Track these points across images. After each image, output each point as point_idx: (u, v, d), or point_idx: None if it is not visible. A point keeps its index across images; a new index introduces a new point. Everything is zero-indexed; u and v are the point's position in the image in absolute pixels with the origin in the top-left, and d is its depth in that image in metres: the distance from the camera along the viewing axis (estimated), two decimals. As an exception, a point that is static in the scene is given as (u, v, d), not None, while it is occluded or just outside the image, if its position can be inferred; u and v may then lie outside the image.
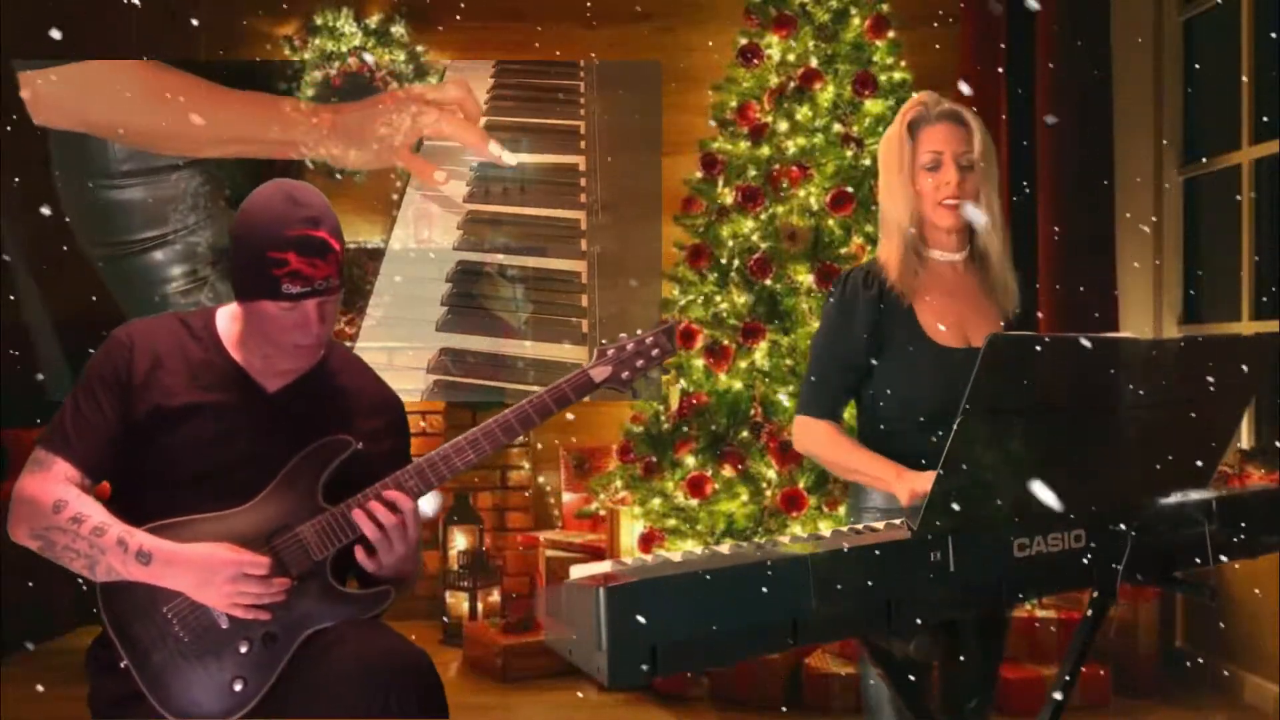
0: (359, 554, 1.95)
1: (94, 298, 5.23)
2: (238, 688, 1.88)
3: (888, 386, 2.17)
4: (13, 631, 4.48)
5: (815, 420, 2.20)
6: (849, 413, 2.29)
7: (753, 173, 4.46)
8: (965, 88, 4.33)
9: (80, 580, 1.94)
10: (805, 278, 4.27)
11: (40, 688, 3.92)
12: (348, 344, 5.16)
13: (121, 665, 1.89)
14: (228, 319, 2.04)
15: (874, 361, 2.18)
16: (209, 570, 1.86)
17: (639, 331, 2.15)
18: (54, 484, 1.90)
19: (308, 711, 1.88)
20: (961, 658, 2.19)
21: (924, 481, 1.98)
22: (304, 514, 1.94)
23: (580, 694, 4.04)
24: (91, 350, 2.02)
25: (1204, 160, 4.62)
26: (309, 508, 1.95)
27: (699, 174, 4.61)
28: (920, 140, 2.17)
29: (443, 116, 5.35)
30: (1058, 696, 1.70)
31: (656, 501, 4.27)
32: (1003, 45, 4.79)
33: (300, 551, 1.93)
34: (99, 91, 5.25)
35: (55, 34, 4.68)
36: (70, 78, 5.24)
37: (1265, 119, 4.25)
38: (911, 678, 1.75)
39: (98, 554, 1.86)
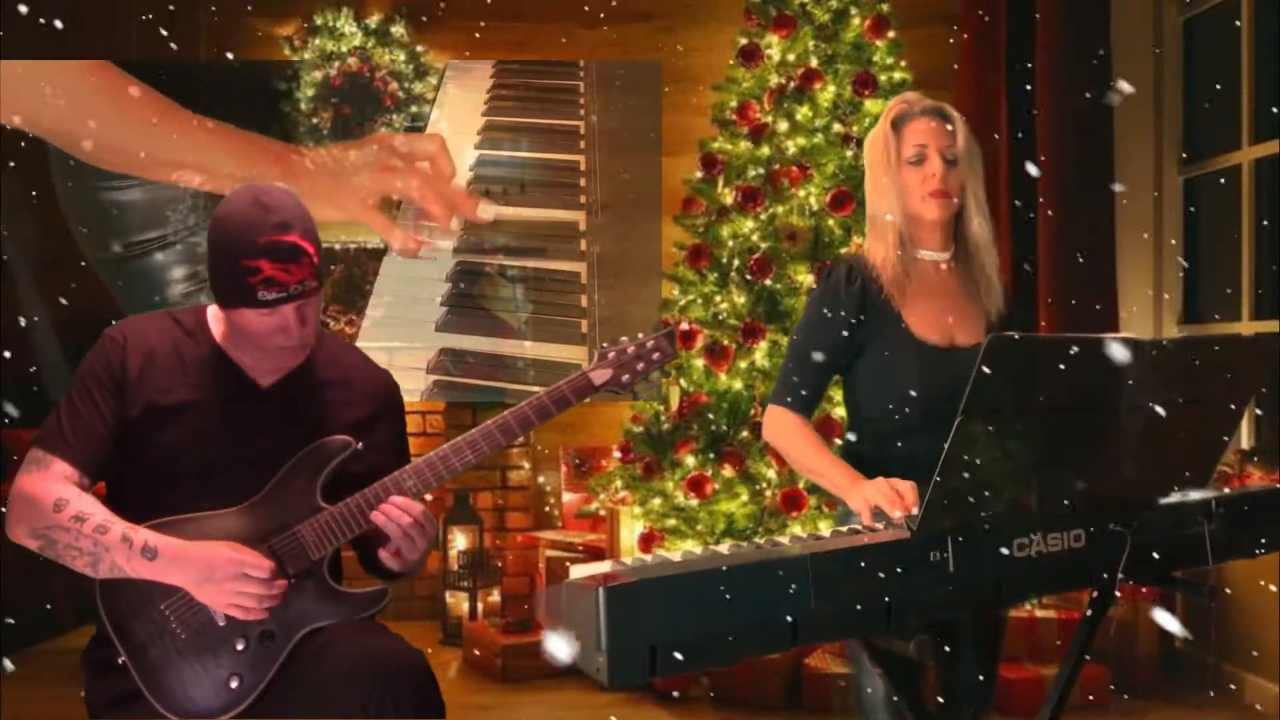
0: (383, 554, 1.96)
1: (93, 297, 5.22)
2: (234, 685, 1.89)
3: (874, 385, 2.17)
4: (13, 631, 4.49)
5: (785, 411, 2.19)
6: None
7: (753, 173, 4.46)
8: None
9: (78, 580, 1.94)
10: (805, 278, 4.27)
11: (40, 688, 3.93)
12: (348, 344, 5.14)
13: (119, 663, 1.90)
14: (218, 315, 2.04)
15: (859, 361, 2.18)
16: (211, 568, 1.86)
17: (640, 334, 2.15)
18: (53, 483, 1.91)
19: (304, 711, 1.88)
20: (959, 659, 2.19)
21: (874, 491, 1.96)
22: (302, 513, 1.95)
23: (578, 693, 4.04)
24: (88, 346, 2.03)
25: (1204, 160, 4.62)
26: (307, 507, 1.96)
27: (699, 174, 4.61)
28: (904, 135, 2.18)
29: (413, 178, 5.16)
30: (1058, 696, 1.70)
31: (656, 501, 4.27)
32: (1003, 45, 4.79)
33: (298, 550, 1.93)
34: (36, 90, 5.10)
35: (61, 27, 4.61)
36: (10, 71, 5.11)
37: (1267, 119, 4.25)
38: (909, 678, 1.75)
39: (101, 552, 1.87)
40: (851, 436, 2.22)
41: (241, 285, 1.88)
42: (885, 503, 1.91)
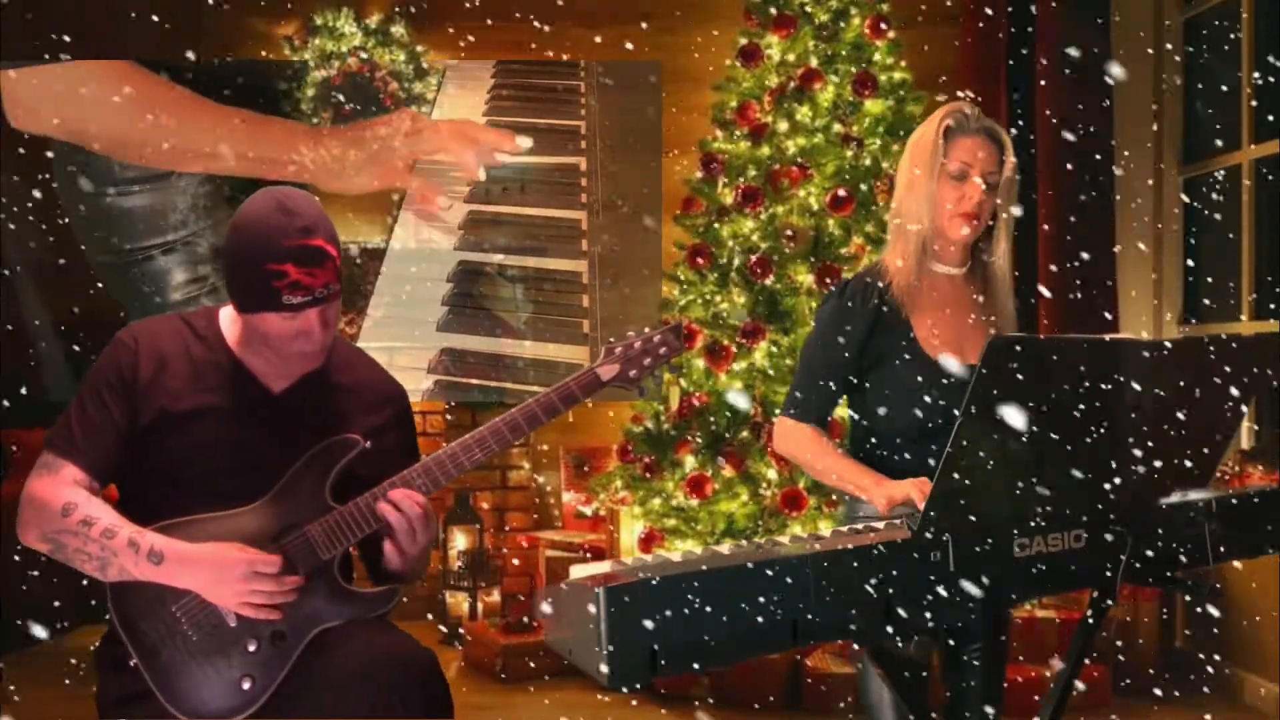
0: (387, 547, 1.95)
1: (94, 298, 5.22)
2: (246, 686, 1.89)
3: (882, 399, 2.17)
4: (13, 632, 4.48)
5: (798, 423, 2.20)
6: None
7: (753, 173, 4.46)
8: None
9: (84, 580, 1.94)
10: (805, 278, 4.27)
11: (40, 688, 3.93)
12: (348, 344, 5.13)
13: (130, 664, 1.90)
14: (231, 319, 2.04)
15: (867, 374, 2.18)
16: (221, 569, 1.86)
17: (646, 330, 2.15)
18: (62, 487, 1.91)
19: (315, 710, 1.89)
20: (963, 659, 2.19)
21: (900, 490, 1.99)
22: (311, 513, 1.95)
23: (578, 693, 4.04)
24: (92, 350, 2.02)
25: (1204, 160, 4.62)
26: (316, 507, 1.95)
27: (699, 174, 4.61)
28: (953, 148, 2.15)
29: (440, 129, 5.25)
30: (1058, 696, 1.70)
31: (656, 501, 4.27)
32: (1003, 45, 4.79)
33: (308, 550, 1.93)
34: (74, 95, 5.11)
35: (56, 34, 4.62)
36: (47, 79, 5.12)
37: (1267, 119, 4.25)
38: (910, 678, 1.75)
39: (109, 556, 1.87)
40: (856, 450, 2.23)
41: (266, 289, 1.87)
42: (919, 496, 1.93)
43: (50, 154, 5.24)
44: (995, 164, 2.15)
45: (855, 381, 2.21)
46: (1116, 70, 4.52)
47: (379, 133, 5.26)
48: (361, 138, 5.26)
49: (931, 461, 2.09)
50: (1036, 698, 3.77)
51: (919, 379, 2.13)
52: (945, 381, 2.12)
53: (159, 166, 5.20)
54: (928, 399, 2.11)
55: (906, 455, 2.13)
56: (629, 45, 5.40)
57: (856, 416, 2.24)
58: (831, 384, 2.20)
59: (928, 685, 2.20)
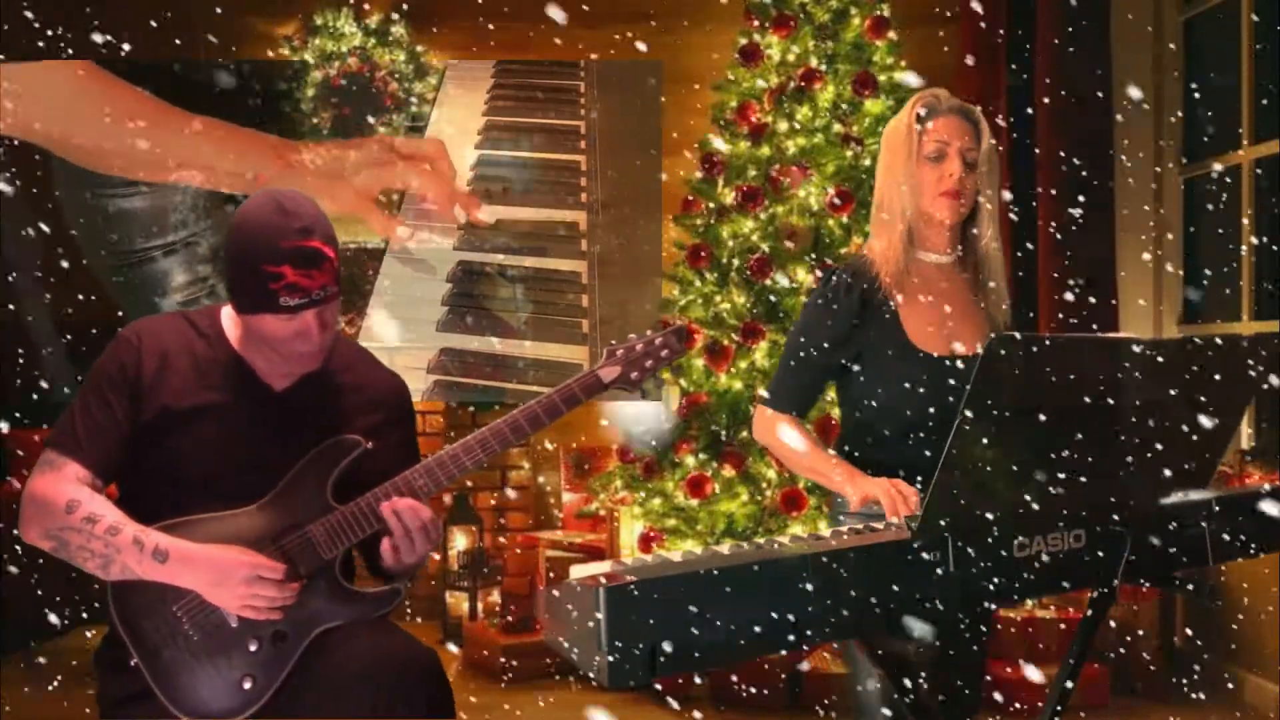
0: (385, 548, 1.95)
1: (94, 299, 5.22)
2: (247, 686, 1.89)
3: (870, 392, 2.15)
4: (13, 632, 4.48)
5: (776, 413, 2.19)
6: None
7: (753, 173, 4.46)
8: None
9: (79, 580, 1.94)
10: (805, 278, 4.27)
11: (35, 688, 3.93)
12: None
13: (131, 664, 1.90)
14: (233, 318, 2.04)
15: (855, 366, 2.17)
16: (224, 571, 1.86)
17: (648, 332, 2.15)
18: (65, 485, 1.91)
19: (316, 710, 1.89)
20: (948, 654, 2.18)
21: (873, 486, 1.97)
22: (313, 513, 1.95)
23: (578, 693, 4.04)
24: (92, 350, 2.02)
25: (1204, 160, 4.62)
26: (318, 507, 1.95)
27: (699, 174, 4.61)
28: (928, 130, 2.13)
29: (413, 172, 5.23)
30: (1058, 696, 1.70)
31: (656, 501, 4.27)
32: (1003, 45, 4.79)
33: (309, 550, 1.93)
34: (38, 97, 5.10)
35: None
36: (12, 79, 5.11)
37: (1266, 119, 4.25)
38: (909, 678, 1.75)
39: (113, 553, 1.87)
40: (846, 444, 2.21)
41: (263, 291, 1.87)
42: (886, 500, 1.91)
43: (50, 154, 5.24)
44: (972, 141, 2.12)
45: (841, 373, 2.20)
46: (1116, 70, 4.52)
47: (350, 158, 5.25)
48: (328, 162, 5.25)
49: (922, 455, 2.08)
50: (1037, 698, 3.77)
51: (907, 371, 2.11)
52: (934, 373, 2.10)
53: (107, 172, 5.19)
54: (916, 391, 2.10)
55: (896, 447, 2.12)
56: (630, 45, 5.40)
57: (846, 408, 2.23)
58: (812, 375, 2.18)
59: (926, 685, 2.20)
